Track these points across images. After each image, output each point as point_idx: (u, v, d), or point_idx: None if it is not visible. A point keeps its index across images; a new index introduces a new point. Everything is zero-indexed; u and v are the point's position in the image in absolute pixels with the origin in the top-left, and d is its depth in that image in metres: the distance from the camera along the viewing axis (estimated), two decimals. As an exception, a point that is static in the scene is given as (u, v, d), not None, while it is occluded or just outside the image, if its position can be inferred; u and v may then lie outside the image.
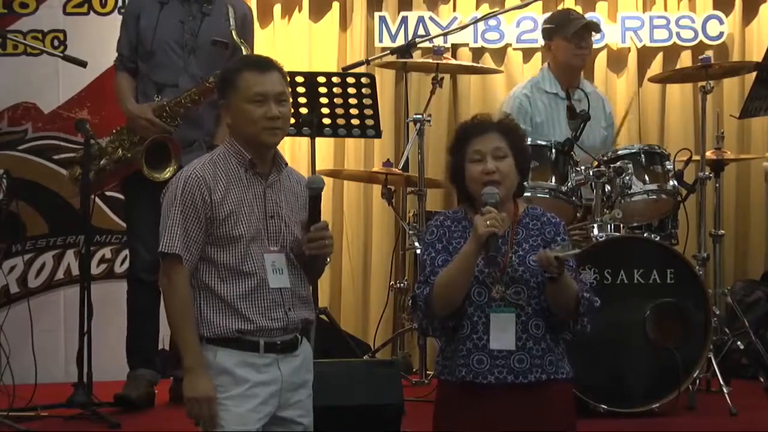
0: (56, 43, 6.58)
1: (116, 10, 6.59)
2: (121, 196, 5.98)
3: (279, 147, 7.47)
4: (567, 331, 3.78)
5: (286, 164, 3.82)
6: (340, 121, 6.11)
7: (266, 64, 3.74)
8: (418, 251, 6.00)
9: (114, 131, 5.62)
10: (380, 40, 7.06)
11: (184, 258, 3.59)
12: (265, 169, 3.72)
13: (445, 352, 3.82)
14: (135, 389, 5.53)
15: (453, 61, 6.66)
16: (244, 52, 5.52)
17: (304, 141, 6.32)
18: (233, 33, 5.51)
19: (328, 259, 3.97)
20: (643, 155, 5.70)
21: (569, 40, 6.11)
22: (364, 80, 6.07)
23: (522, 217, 3.83)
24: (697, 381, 5.49)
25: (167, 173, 5.41)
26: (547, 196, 5.56)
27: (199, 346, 3.59)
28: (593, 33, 6.22)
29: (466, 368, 3.73)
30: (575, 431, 3.88)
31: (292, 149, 6.91)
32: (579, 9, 6.82)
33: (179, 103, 5.49)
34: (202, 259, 3.63)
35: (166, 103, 5.50)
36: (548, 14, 6.58)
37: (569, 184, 5.59)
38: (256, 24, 6.96)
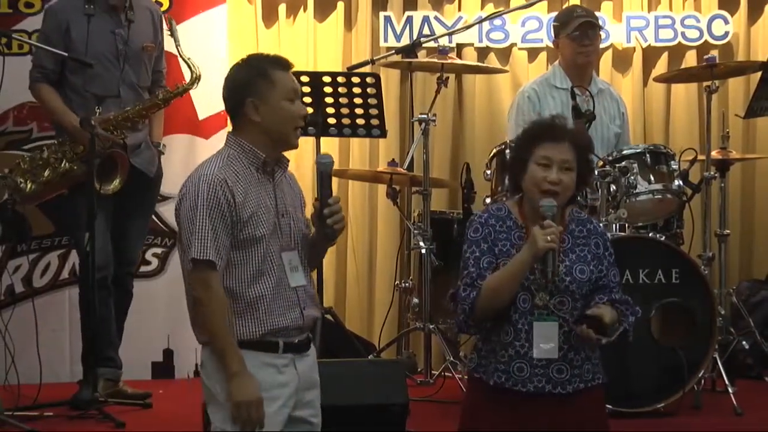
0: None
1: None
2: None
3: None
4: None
5: (288, 161, 3.79)
6: (345, 121, 6.12)
7: (288, 62, 3.70)
8: (423, 251, 6.00)
9: (56, 142, 5.62)
10: (385, 40, 7.05)
11: (217, 263, 3.50)
12: (272, 168, 3.70)
13: (481, 350, 3.83)
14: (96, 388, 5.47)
15: (458, 61, 6.66)
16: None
17: (309, 141, 6.31)
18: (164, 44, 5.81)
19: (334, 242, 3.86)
20: (648, 155, 5.70)
21: (572, 38, 6.12)
22: (369, 80, 6.07)
23: (569, 222, 3.83)
24: (703, 381, 5.49)
25: (114, 185, 5.48)
26: (552, 195, 5.56)
27: (239, 349, 3.51)
28: (599, 30, 6.22)
29: (505, 375, 3.74)
30: None
31: (297, 149, 6.88)
32: (584, 8, 6.81)
33: (127, 118, 5.56)
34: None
35: (113, 117, 5.52)
36: (554, 13, 6.59)
37: (574, 183, 5.58)
38: (261, 24, 7.00)
